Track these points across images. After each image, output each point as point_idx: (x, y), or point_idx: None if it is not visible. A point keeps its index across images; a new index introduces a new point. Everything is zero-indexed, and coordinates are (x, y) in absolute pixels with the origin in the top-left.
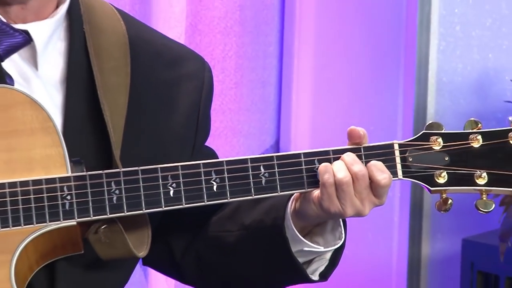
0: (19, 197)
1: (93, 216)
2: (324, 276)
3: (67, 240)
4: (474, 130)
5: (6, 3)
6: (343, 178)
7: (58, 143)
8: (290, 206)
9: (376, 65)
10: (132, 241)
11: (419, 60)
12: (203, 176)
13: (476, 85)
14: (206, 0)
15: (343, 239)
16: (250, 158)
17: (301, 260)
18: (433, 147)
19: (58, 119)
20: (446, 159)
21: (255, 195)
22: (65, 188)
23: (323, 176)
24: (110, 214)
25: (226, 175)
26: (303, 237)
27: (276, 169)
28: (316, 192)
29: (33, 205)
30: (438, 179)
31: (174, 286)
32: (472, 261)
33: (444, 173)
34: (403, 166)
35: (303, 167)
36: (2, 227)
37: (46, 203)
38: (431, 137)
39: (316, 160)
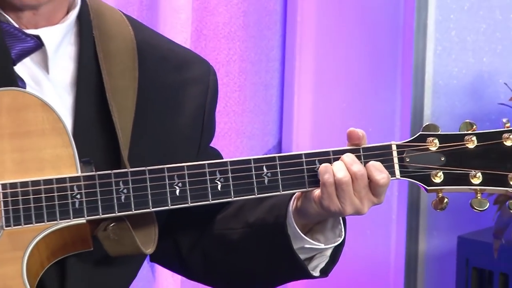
0: (31, 196)
1: (102, 214)
2: (325, 272)
3: (77, 237)
4: (469, 132)
5: (18, 9)
6: (343, 178)
7: (68, 143)
8: (292, 204)
9: (374, 68)
10: (139, 238)
11: (416, 64)
12: (208, 175)
13: (471, 88)
14: (211, 7)
15: (343, 237)
16: (253, 159)
17: (302, 256)
18: (429, 148)
19: (68, 120)
20: (442, 159)
21: (258, 194)
22: (75, 188)
23: (324, 176)
24: (118, 212)
25: (230, 174)
26: (304, 234)
27: (278, 169)
28: (317, 191)
29: (44, 203)
30: (435, 179)
31: (180, 282)
32: (467, 258)
33: (440, 173)
34: (400, 166)
35: (304, 167)
36: (14, 225)
37: (56, 202)
38: (428, 138)
39: (316, 161)
